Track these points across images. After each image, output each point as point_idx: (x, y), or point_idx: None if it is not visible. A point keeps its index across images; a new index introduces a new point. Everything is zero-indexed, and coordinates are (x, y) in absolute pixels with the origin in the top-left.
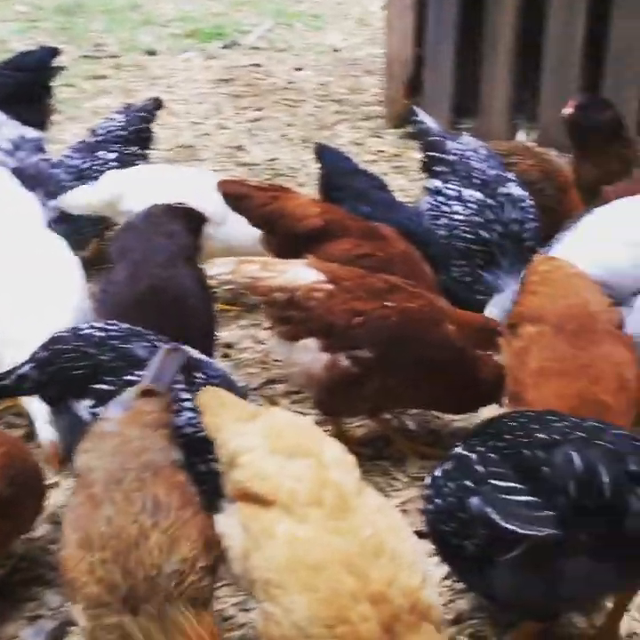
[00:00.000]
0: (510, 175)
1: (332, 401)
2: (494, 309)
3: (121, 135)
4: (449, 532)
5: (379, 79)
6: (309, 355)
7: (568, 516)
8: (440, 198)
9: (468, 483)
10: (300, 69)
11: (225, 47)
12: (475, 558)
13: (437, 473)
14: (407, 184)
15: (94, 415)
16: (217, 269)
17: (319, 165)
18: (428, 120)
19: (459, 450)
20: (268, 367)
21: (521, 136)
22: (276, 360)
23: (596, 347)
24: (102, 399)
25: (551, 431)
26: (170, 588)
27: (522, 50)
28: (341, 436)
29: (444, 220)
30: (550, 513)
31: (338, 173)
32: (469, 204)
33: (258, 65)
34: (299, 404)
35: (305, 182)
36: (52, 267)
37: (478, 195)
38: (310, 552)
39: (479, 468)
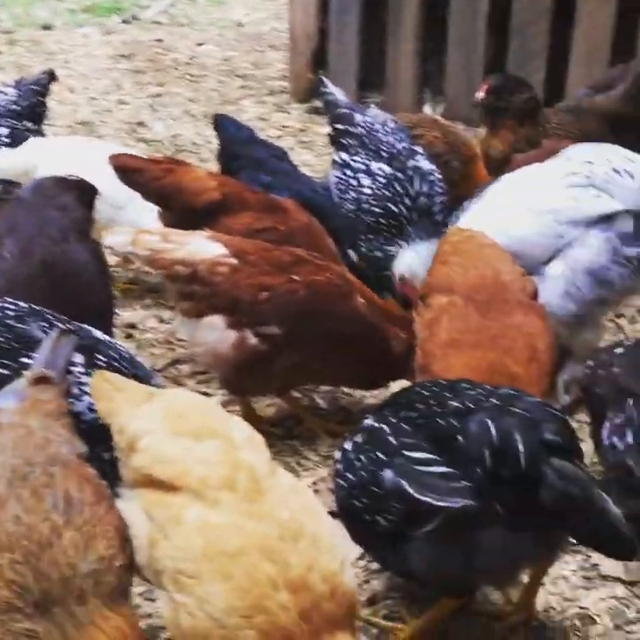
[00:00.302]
0: (418, 148)
1: (240, 380)
2: (406, 263)
3: (13, 109)
4: (361, 507)
5: (283, 54)
6: (215, 333)
7: (484, 487)
8: (348, 172)
9: (380, 455)
10: (202, 44)
11: (124, 22)
12: (389, 534)
13: (348, 446)
14: (313, 159)
15: None
16: (114, 239)
17: (217, 135)
18: (336, 92)
19: (369, 421)
20: (173, 347)
21: (427, 110)
22: (182, 340)
23: (508, 317)
24: None
25: (465, 399)
26: (86, 589)
27: (427, 23)
28: (250, 415)
29: (351, 194)
30: (466, 484)
31: (236, 142)
32: (378, 178)
33: (159, 40)
34: (205, 384)
35: (208, 158)
36: None
37: (386, 168)
38: (225, 538)
39: (392, 439)
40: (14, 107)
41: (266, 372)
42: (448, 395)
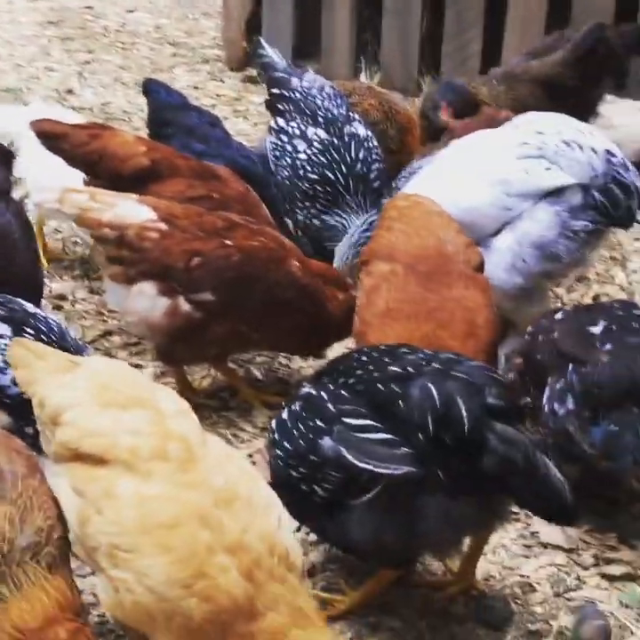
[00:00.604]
0: (355, 115)
1: (174, 349)
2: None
3: None
4: (298, 477)
5: (217, 22)
6: (146, 301)
7: (426, 453)
8: (283, 137)
9: (319, 423)
10: (132, 11)
11: None
12: (327, 504)
13: (284, 415)
14: (249, 128)
15: None
16: (42, 197)
17: (147, 101)
18: (274, 55)
19: (306, 389)
20: (105, 319)
21: (363, 78)
22: (113, 311)
23: (448, 290)
24: None
25: (405, 364)
26: (26, 563)
27: None
28: (185, 387)
29: (287, 160)
30: (408, 450)
31: (167, 108)
32: (314, 144)
33: (88, 7)
34: (138, 356)
35: (140, 127)
36: None
37: (323, 134)
38: (162, 510)
39: (330, 406)
40: None
41: (200, 339)
42: (388, 360)
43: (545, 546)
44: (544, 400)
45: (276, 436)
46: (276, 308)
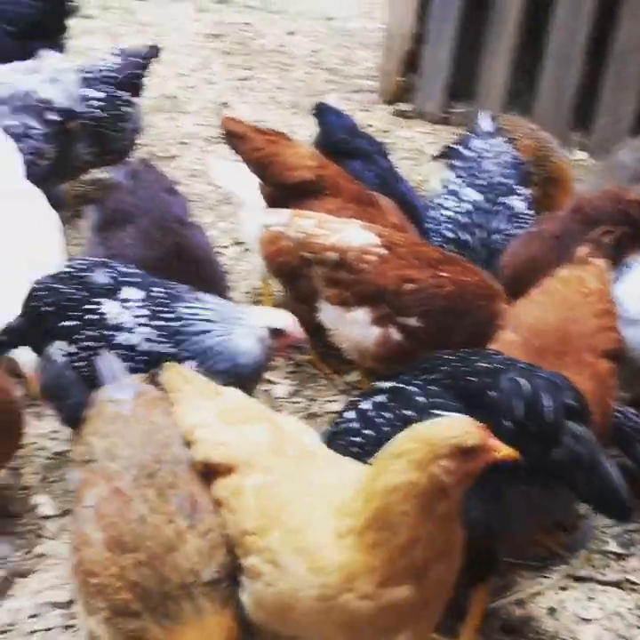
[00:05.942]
0: (523, 191)
1: (379, 368)
2: None
3: (112, 77)
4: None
5: (372, 53)
6: (360, 329)
7: (511, 441)
8: (442, 190)
9: (407, 413)
10: (292, 33)
11: (218, 2)
12: None
13: (365, 405)
14: (394, 162)
15: (69, 357)
16: (271, 219)
17: (319, 122)
18: (482, 122)
19: (389, 384)
20: None
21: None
22: None
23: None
24: (71, 338)
25: (492, 361)
26: (204, 595)
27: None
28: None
29: (433, 212)
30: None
31: (342, 129)
32: (462, 203)
33: (249, 24)
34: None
35: None
36: (31, 224)
37: (476, 196)
38: (277, 492)
39: (420, 398)
40: (113, 74)
41: (403, 362)
42: (475, 358)
43: None
44: None
45: (356, 423)
46: (478, 343)
